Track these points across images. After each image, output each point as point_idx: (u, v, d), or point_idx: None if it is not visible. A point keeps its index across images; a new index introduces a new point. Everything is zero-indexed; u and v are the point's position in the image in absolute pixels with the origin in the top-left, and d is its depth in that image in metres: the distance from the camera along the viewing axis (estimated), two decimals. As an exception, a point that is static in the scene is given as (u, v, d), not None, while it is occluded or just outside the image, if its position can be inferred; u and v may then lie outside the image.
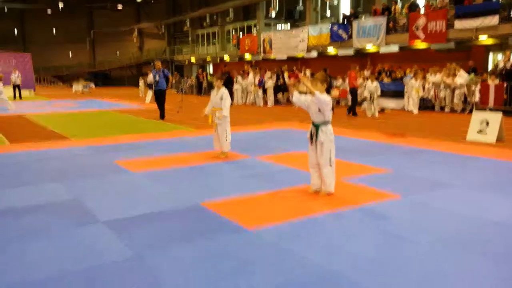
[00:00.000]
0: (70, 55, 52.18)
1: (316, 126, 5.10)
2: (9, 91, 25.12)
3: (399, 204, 4.82)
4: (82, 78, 39.82)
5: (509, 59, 14.76)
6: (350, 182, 5.78)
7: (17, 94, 25.37)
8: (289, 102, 19.52)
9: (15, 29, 51.95)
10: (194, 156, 7.61)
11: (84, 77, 43.81)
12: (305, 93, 5.09)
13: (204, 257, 3.47)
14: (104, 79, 48.59)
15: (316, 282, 3.05)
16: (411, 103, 15.99)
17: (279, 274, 3.16)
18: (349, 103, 16.27)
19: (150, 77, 14.30)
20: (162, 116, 13.59)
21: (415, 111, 15.40)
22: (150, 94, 22.00)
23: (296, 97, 5.14)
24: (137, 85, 32.63)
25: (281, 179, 5.99)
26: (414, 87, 15.47)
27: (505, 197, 5.07)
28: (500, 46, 17.29)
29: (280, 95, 19.82)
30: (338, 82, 17.57)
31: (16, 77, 25.41)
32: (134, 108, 18.92)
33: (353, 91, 15.10)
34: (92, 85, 35.90)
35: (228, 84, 20.27)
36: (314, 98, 4.93)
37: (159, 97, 13.65)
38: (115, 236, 3.93)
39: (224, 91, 7.53)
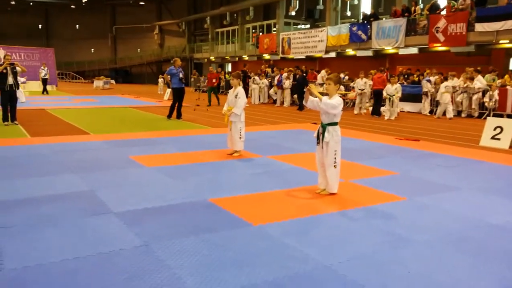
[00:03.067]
0: (92, 50, 53.10)
1: (324, 127, 5.23)
2: (35, 85, 26.50)
3: (404, 206, 4.91)
4: (103, 74, 40.56)
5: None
6: (357, 183, 5.88)
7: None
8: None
9: (39, 24, 53.13)
10: (207, 154, 7.80)
11: (105, 73, 44.59)
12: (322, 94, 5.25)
13: (208, 248, 3.63)
14: (124, 75, 49.31)
15: (313, 276, 3.19)
16: (426, 106, 15.90)
17: (278, 267, 3.31)
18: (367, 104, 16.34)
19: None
20: (179, 115, 13.40)
21: (450, 115, 14.66)
22: (168, 91, 22.34)
23: (310, 100, 5.29)
24: (156, 82, 33.09)
25: (290, 178, 6.12)
26: (448, 91, 14.65)
27: (506, 201, 5.13)
28: (521, 50, 17.09)
29: (296, 96, 19.87)
30: (357, 82, 17.51)
31: (45, 72, 26.64)
32: (153, 105, 19.24)
33: (377, 93, 15.19)
34: (113, 81, 36.56)
35: (244, 82, 20.51)
36: (321, 104, 5.09)
37: (182, 95, 13.31)
38: (125, 226, 4.13)
39: (240, 89, 7.66)
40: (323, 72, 20.75)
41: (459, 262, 3.47)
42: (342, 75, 19.38)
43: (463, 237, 3.98)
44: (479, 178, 6.31)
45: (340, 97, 5.31)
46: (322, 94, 5.34)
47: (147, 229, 4.07)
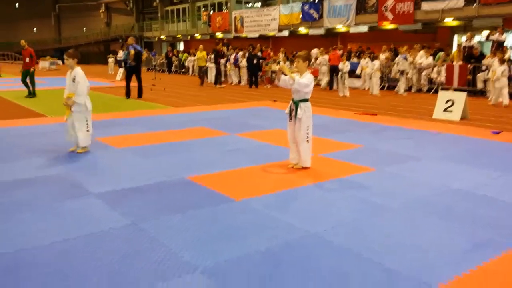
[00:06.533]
0: (35, 30, 50.40)
1: (296, 103, 5.39)
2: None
3: (374, 176, 5.19)
4: (47, 54, 38.76)
5: (470, 41, 15.36)
6: (327, 157, 6.12)
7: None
8: (262, 81, 19.68)
9: (-26, 3, 49.75)
10: (174, 133, 7.79)
11: (49, 53, 42.60)
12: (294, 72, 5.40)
13: (196, 224, 3.73)
14: (70, 55, 47.27)
15: (303, 244, 3.37)
16: (401, 85, 15.48)
17: (268, 238, 3.46)
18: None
19: (120, 54, 14.16)
20: (140, 95, 13.58)
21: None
22: (121, 71, 21.77)
23: (282, 79, 5.39)
24: (105, 62, 32.04)
25: (261, 154, 6.27)
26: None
27: (465, 168, 5.55)
28: (464, 28, 17.95)
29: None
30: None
31: None
32: (106, 85, 18.70)
33: (334, 69, 16.18)
34: (59, 62, 35.04)
35: (217, 59, 19.94)
36: (294, 84, 5.22)
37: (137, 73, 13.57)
38: (108, 207, 4.14)
39: (77, 71, 6.19)
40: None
41: (431, 225, 3.76)
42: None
43: (432, 202, 4.29)
44: (437, 148, 6.73)
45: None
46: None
47: (131, 208, 4.09)
